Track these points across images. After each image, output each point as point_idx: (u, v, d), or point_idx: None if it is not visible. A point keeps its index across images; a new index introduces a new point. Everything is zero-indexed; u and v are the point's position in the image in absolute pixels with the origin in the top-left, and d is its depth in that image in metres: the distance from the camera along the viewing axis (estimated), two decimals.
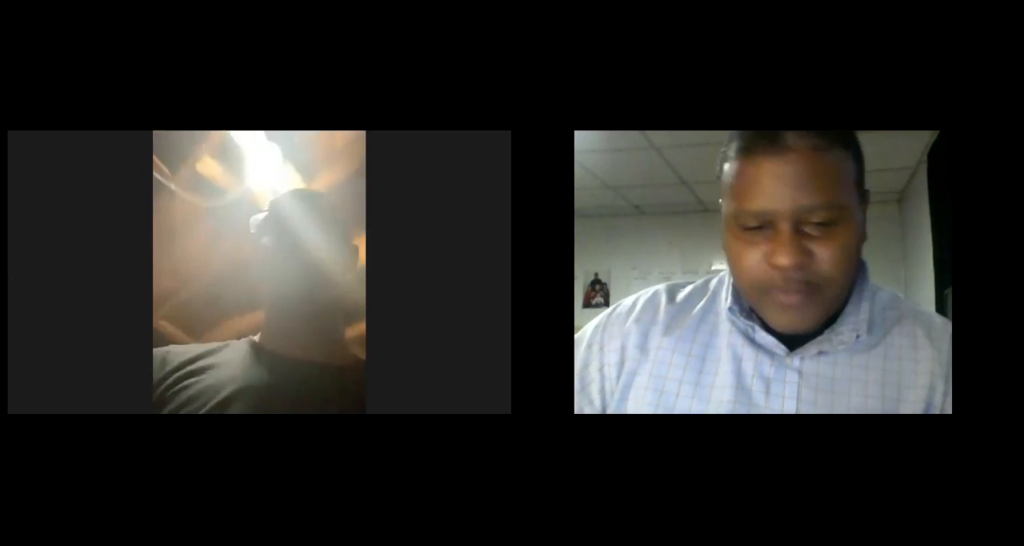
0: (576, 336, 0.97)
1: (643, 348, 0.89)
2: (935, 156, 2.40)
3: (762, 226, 0.77)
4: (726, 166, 0.80)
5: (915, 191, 2.76)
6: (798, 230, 0.75)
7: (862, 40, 0.96)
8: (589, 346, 0.94)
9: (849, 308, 0.83)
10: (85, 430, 0.94)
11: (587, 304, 4.02)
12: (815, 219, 0.75)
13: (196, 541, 0.93)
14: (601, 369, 0.91)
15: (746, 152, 0.77)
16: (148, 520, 0.93)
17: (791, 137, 0.75)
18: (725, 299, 0.88)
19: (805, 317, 0.79)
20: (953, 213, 0.96)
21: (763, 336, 0.84)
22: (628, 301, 0.96)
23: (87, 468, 0.93)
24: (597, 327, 0.94)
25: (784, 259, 0.75)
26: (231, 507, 0.94)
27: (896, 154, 2.52)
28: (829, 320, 0.82)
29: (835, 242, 0.75)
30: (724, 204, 0.81)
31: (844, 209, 0.76)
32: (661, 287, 0.95)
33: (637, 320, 0.92)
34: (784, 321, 0.80)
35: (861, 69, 0.96)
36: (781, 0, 0.96)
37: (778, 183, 0.75)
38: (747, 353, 0.85)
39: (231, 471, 0.94)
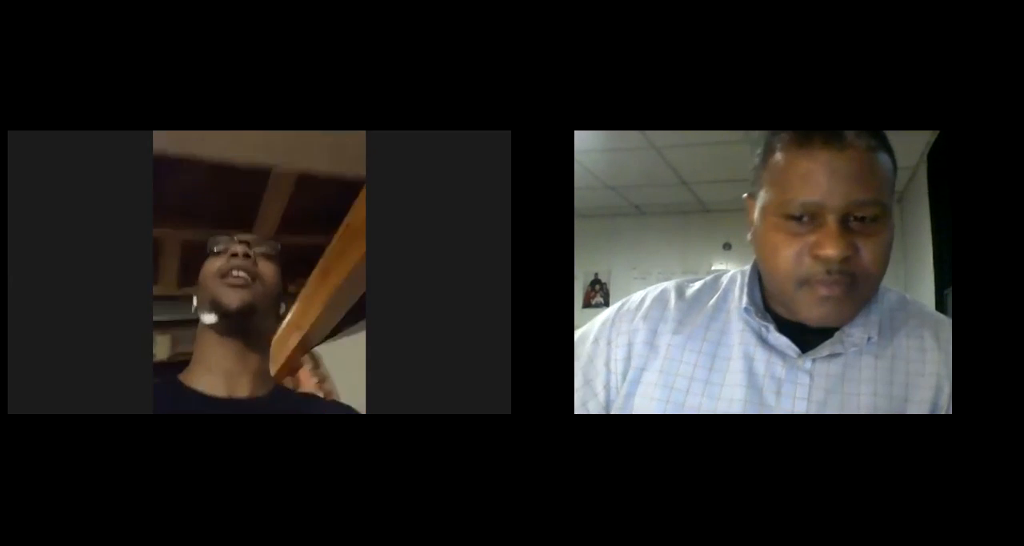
0: (580, 331, 0.97)
1: (652, 344, 0.90)
2: (935, 156, 2.40)
3: (806, 217, 0.78)
4: (774, 156, 0.81)
5: (915, 191, 2.76)
6: (844, 224, 0.77)
7: (862, 40, 0.96)
8: (596, 341, 0.94)
9: (861, 311, 0.84)
10: (85, 430, 0.94)
11: (587, 304, 4.03)
12: (861, 214, 0.77)
13: (196, 542, 0.93)
14: (607, 363, 0.91)
15: (801, 144, 0.79)
16: (148, 520, 0.93)
17: (851, 135, 0.78)
18: (739, 298, 0.89)
19: (842, 310, 0.80)
20: (953, 213, 0.96)
21: (776, 337, 0.85)
22: (636, 297, 0.96)
23: (87, 468, 0.93)
24: (604, 322, 0.95)
25: (832, 250, 0.76)
26: (231, 508, 0.94)
27: (896, 154, 2.52)
28: None
29: (878, 238, 0.78)
30: (764, 194, 0.82)
31: (887, 208, 0.79)
32: (670, 284, 0.96)
33: (645, 317, 0.92)
34: (819, 313, 0.81)
35: (861, 69, 0.96)
36: (781, 0, 0.96)
37: (834, 177, 0.76)
38: (759, 353, 0.86)
39: (231, 472, 0.94)
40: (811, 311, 0.81)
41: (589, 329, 0.96)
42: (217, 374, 1.02)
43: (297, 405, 1.11)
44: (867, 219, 0.77)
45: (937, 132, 2.21)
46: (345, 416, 1.08)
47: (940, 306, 2.27)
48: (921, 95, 0.96)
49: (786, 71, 0.96)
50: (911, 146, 2.47)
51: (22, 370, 0.93)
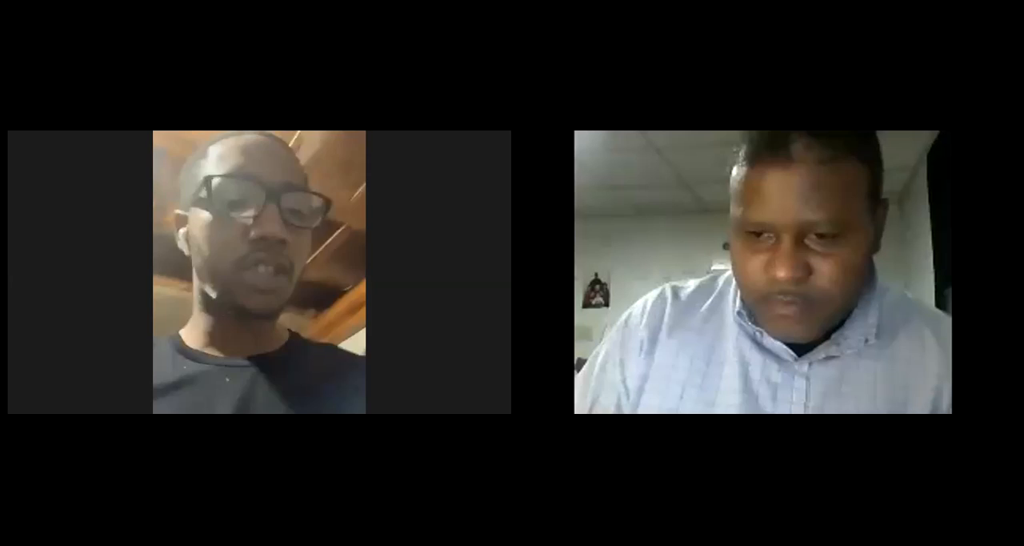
0: (590, 358, 0.99)
1: (651, 353, 0.90)
2: (935, 156, 2.40)
3: (765, 234, 0.75)
4: (734, 170, 0.79)
5: (915, 191, 2.76)
6: (800, 242, 0.73)
7: (862, 40, 0.96)
8: (603, 369, 0.96)
9: (857, 312, 0.82)
10: (85, 430, 0.94)
11: (587, 304, 4.03)
12: (818, 232, 0.73)
13: (195, 542, 0.93)
14: (624, 381, 0.93)
15: (752, 159, 0.75)
16: (147, 520, 0.93)
17: (797, 149, 0.72)
18: (733, 302, 0.88)
19: (801, 328, 0.78)
20: (953, 213, 0.96)
21: (771, 341, 0.83)
22: (637, 309, 0.96)
23: (87, 468, 0.93)
24: (614, 345, 0.96)
25: (782, 272, 0.73)
26: (231, 507, 0.94)
27: (896, 154, 2.52)
28: (837, 325, 0.81)
29: (837, 257, 0.73)
30: (731, 207, 0.80)
31: (849, 223, 0.73)
32: (667, 286, 0.95)
33: (648, 326, 0.92)
34: (780, 330, 0.79)
35: (861, 69, 0.96)
36: (782, 0, 0.96)
37: (783, 195, 0.72)
38: (754, 358, 0.84)
39: (230, 471, 0.94)
40: (773, 326, 0.79)
41: (596, 356, 0.97)
42: (221, 345, 0.96)
43: (311, 356, 1.05)
44: (827, 236, 0.73)
45: (937, 132, 2.21)
46: (345, 416, 1.08)
47: (940, 306, 2.27)
48: (921, 95, 0.95)
49: (786, 71, 0.96)
50: (911, 146, 2.47)
51: (22, 370, 0.93)
